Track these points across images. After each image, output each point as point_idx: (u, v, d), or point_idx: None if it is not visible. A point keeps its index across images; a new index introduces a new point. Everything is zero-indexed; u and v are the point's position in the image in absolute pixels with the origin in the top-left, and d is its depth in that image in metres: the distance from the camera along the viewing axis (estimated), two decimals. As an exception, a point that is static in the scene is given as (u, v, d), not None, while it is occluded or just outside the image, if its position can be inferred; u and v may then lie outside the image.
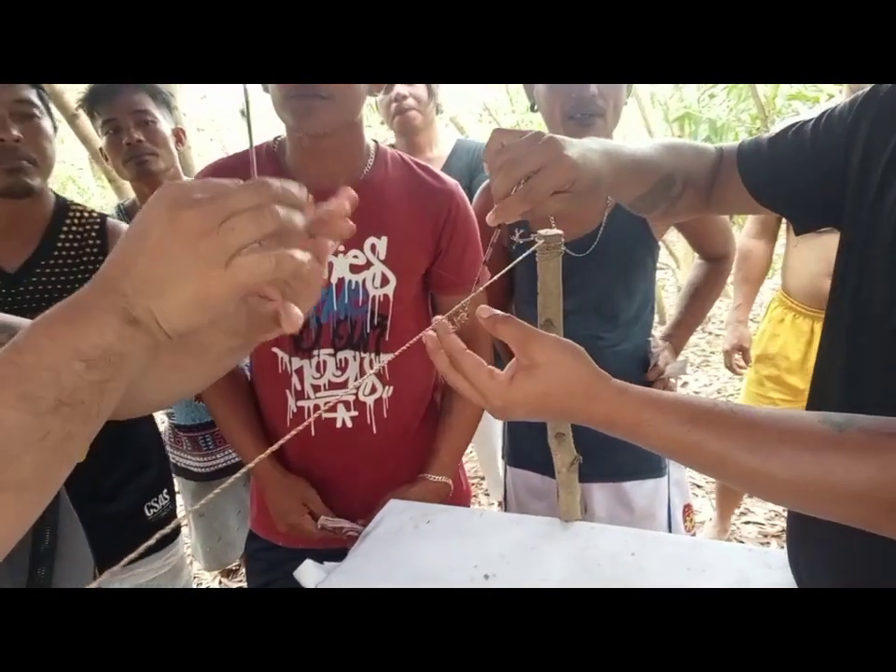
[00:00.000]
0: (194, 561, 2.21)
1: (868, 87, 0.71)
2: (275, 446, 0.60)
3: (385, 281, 1.13)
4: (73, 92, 2.04)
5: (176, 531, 1.57)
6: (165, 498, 1.51)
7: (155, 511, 1.47)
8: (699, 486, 2.82)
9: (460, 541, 0.98)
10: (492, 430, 2.16)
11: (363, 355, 1.16)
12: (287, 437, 0.56)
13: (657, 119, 5.18)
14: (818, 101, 4.54)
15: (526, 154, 0.63)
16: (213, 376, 0.69)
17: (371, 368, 1.16)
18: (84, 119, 2.03)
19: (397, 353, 0.63)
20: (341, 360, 1.15)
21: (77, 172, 6.88)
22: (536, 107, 1.41)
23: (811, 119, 0.77)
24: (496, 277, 0.69)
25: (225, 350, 0.63)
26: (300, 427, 0.58)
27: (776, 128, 0.87)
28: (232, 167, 1.14)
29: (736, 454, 0.52)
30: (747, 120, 5.23)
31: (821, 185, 0.74)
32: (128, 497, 1.40)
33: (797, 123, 0.79)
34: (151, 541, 0.44)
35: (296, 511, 1.18)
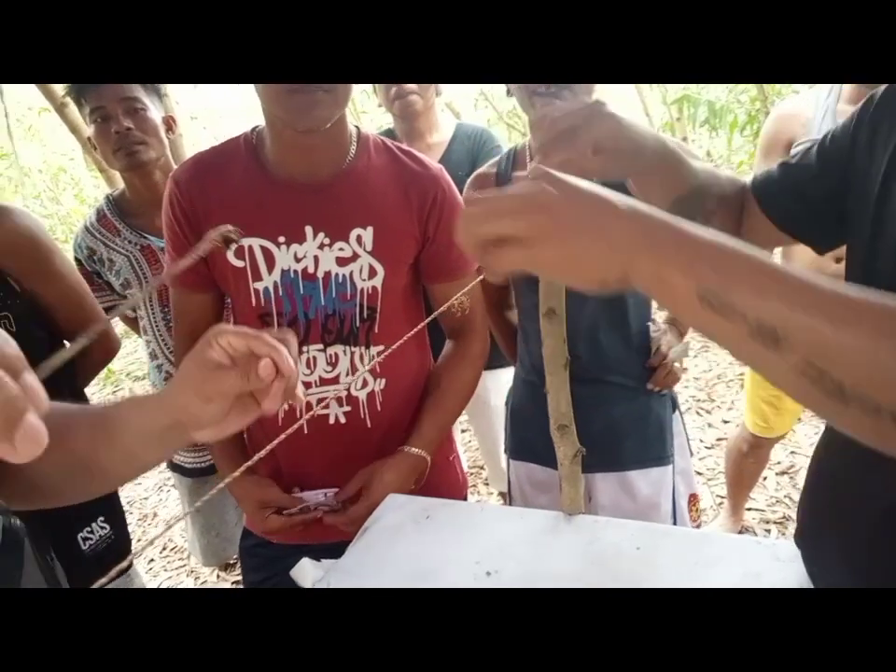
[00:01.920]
0: (191, 556, 2.20)
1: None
2: (251, 462, 0.58)
3: (372, 272, 1.10)
4: (60, 80, 2.00)
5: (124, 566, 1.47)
6: (103, 528, 1.42)
7: (91, 542, 1.38)
8: (699, 473, 2.81)
9: (461, 536, 0.95)
10: (494, 422, 2.13)
11: (353, 349, 1.13)
12: (263, 452, 0.54)
13: (655, 101, 5.13)
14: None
15: (572, 110, 0.64)
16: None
17: (363, 361, 1.13)
18: (73, 107, 1.99)
19: (393, 347, 0.61)
20: (331, 356, 1.12)
21: (69, 162, 6.80)
22: (510, 91, 1.38)
23: (816, 141, 0.78)
24: (483, 275, 0.66)
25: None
26: (281, 437, 0.56)
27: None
28: (209, 161, 1.12)
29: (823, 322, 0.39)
30: (746, 101, 5.18)
31: (830, 194, 0.73)
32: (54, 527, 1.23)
33: (802, 149, 0.80)
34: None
35: (258, 517, 1.16)
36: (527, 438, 1.50)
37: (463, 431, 3.18)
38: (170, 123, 1.72)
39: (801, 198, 0.77)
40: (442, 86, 2.11)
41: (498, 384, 2.01)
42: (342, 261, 1.09)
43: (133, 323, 1.89)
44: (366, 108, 5.24)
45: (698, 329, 0.44)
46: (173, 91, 2.16)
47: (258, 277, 1.09)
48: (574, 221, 0.45)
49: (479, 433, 2.32)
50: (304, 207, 1.08)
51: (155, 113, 1.64)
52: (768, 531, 2.47)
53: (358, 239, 1.08)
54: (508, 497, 1.64)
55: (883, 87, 0.69)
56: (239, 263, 1.08)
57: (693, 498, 1.51)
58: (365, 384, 1.16)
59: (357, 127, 1.16)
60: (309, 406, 1.13)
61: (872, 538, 0.56)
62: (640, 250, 0.43)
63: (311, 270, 1.09)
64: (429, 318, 0.65)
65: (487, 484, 2.88)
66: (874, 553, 0.56)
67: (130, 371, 4.87)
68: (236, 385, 0.58)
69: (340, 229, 1.08)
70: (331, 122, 1.02)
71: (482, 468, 2.99)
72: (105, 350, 1.57)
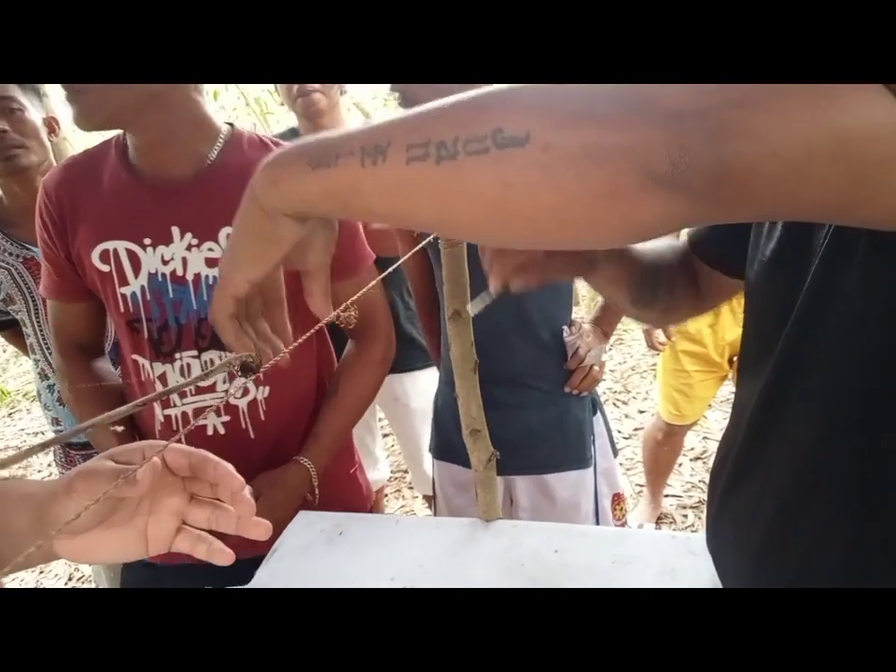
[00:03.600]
0: (98, 585, 2.06)
1: None
2: (134, 469, 0.52)
3: None
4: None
5: None
6: None
7: None
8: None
9: (375, 552, 0.91)
10: (415, 424, 2.10)
11: (230, 354, 1.07)
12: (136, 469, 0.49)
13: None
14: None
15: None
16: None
17: None
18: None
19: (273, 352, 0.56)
20: (206, 362, 1.06)
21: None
22: None
23: None
24: (388, 271, 0.62)
25: None
26: (162, 449, 0.50)
27: None
28: (79, 165, 1.08)
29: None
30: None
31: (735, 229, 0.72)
32: None
33: None
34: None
35: None
36: (450, 439, 1.47)
37: (385, 436, 3.14)
38: (52, 125, 1.60)
39: (717, 237, 0.75)
40: (348, 84, 2.05)
41: (417, 386, 1.98)
42: (211, 262, 1.03)
43: (19, 342, 1.75)
44: (272, 109, 5.10)
45: (321, 198, 0.45)
46: (56, 91, 2.01)
47: (124, 282, 1.03)
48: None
49: (400, 437, 2.28)
50: (168, 207, 1.03)
51: (34, 114, 1.52)
52: (686, 516, 2.55)
53: (229, 238, 1.03)
54: (433, 498, 1.61)
55: None
56: (104, 268, 1.03)
57: (618, 498, 1.50)
58: (246, 391, 1.09)
59: (230, 124, 1.11)
60: (185, 417, 1.07)
61: (757, 525, 0.56)
62: (264, 175, 0.50)
63: (179, 272, 1.03)
64: (312, 330, 0.61)
65: (412, 488, 2.85)
66: (757, 543, 0.56)
67: (27, 391, 4.57)
68: (103, 482, 0.50)
69: (208, 228, 1.03)
70: (100, 120, 0.95)
71: (406, 471, 2.95)
72: None
